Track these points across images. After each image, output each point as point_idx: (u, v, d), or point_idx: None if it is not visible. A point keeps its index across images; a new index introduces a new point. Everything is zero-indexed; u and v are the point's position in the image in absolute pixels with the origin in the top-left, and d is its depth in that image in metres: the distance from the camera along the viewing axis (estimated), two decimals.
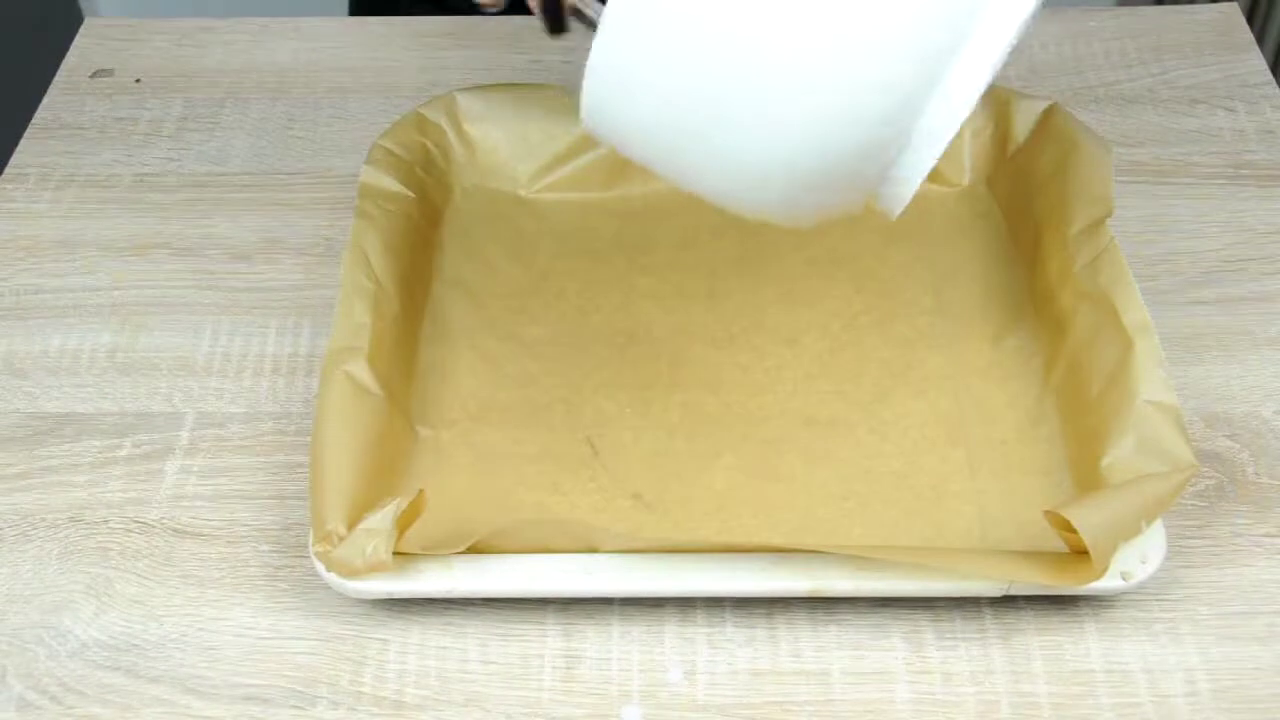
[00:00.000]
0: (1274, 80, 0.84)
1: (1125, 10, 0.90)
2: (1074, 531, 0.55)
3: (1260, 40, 0.88)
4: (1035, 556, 0.57)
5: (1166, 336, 0.62)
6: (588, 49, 0.49)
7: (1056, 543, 0.57)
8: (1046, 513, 0.56)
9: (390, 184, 0.71)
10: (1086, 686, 0.57)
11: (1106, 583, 0.56)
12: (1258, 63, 0.85)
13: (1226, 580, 0.60)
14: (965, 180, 0.76)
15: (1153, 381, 0.60)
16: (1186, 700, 0.56)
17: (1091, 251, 0.66)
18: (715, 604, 0.59)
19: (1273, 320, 0.70)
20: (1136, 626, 0.58)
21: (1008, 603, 0.59)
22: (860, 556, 0.57)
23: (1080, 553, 0.55)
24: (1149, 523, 0.56)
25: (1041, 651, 0.58)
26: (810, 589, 0.57)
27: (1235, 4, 0.89)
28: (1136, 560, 0.57)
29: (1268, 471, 0.64)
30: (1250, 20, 0.90)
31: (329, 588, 0.58)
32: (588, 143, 0.76)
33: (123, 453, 0.66)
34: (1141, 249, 0.73)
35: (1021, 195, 0.73)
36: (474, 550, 0.57)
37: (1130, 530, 0.55)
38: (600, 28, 0.48)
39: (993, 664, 0.57)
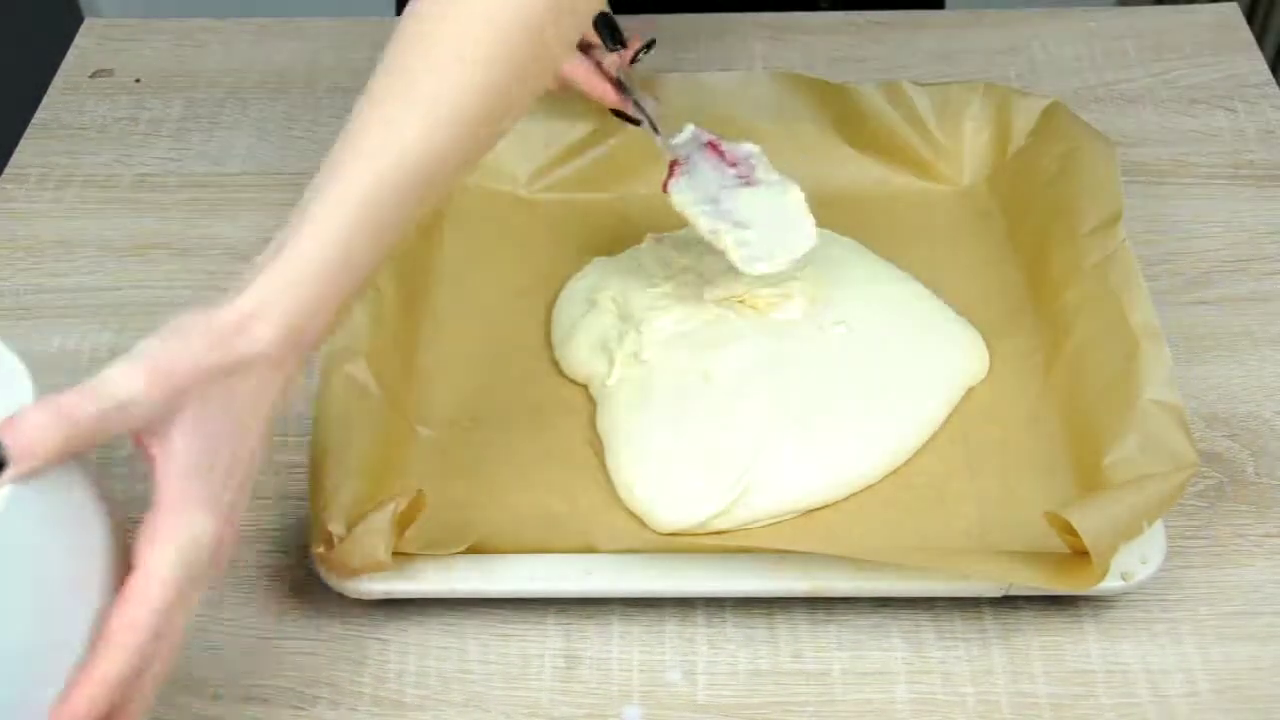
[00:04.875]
0: (1274, 80, 0.84)
1: (1125, 10, 0.90)
2: (1074, 533, 0.55)
3: (1260, 40, 0.87)
4: (1035, 557, 0.57)
5: (1167, 336, 0.62)
6: None
7: (1057, 542, 0.57)
8: (1047, 514, 0.56)
9: None
10: (1086, 687, 0.57)
11: (1106, 583, 0.56)
12: (1258, 63, 0.85)
13: (1226, 580, 0.60)
14: (965, 179, 0.76)
15: (1158, 382, 0.60)
16: (1187, 700, 0.56)
17: (1101, 252, 0.66)
18: (715, 604, 0.59)
19: (1273, 320, 0.70)
20: (1136, 627, 0.58)
21: (1008, 603, 0.59)
22: (859, 559, 0.57)
23: (1081, 553, 0.55)
24: (1150, 523, 0.56)
25: (1041, 652, 0.58)
26: (810, 589, 0.57)
27: (1235, 4, 0.89)
28: (1136, 560, 0.57)
29: (1268, 472, 0.64)
30: (1250, 20, 0.89)
31: (329, 588, 0.58)
32: (587, 143, 0.76)
33: (123, 453, 0.65)
34: (1141, 249, 0.73)
35: (1023, 194, 0.73)
36: (474, 550, 0.57)
37: (1132, 531, 0.55)
38: None
39: (993, 664, 0.57)
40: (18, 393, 0.46)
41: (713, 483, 0.61)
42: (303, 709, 0.56)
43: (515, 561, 0.58)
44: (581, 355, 0.67)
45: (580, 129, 0.76)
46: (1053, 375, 0.65)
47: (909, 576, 0.57)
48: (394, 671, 0.58)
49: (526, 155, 0.76)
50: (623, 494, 0.61)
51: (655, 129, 0.69)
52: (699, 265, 0.69)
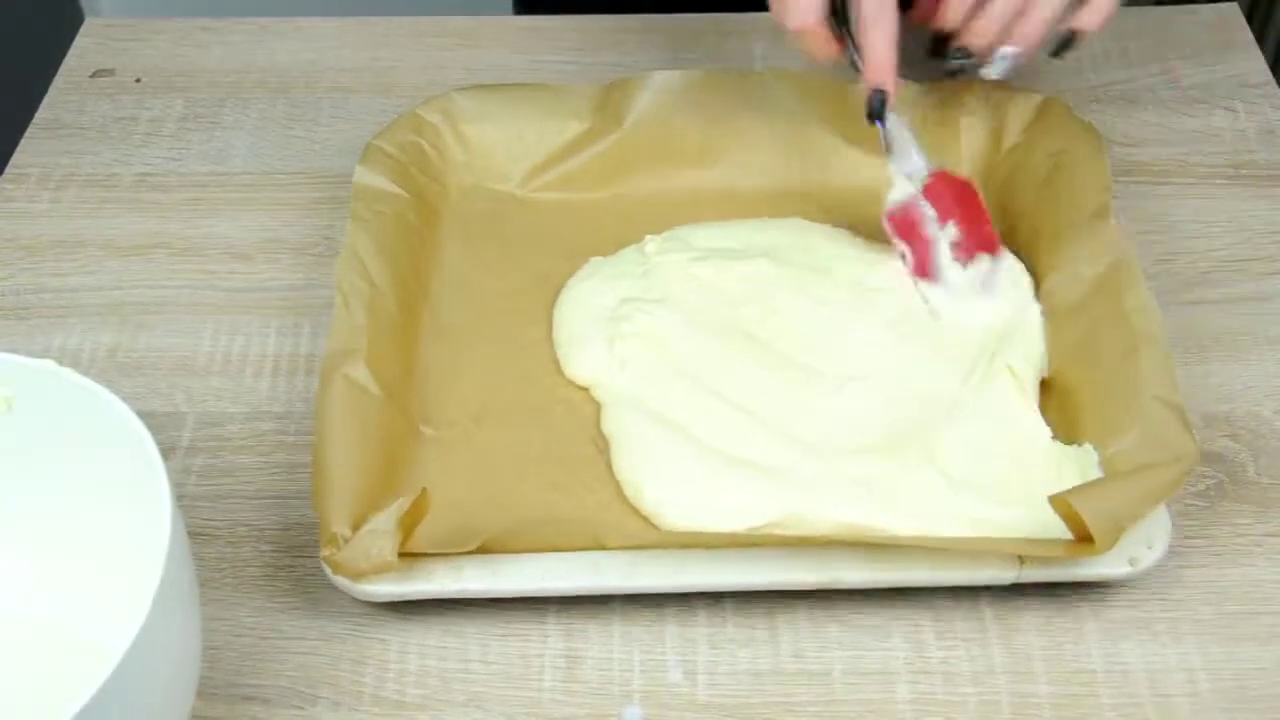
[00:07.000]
0: (1274, 80, 0.84)
1: (1125, 10, 0.90)
2: (1078, 519, 0.55)
3: (1260, 40, 0.87)
4: (1042, 542, 0.57)
5: (1167, 336, 0.62)
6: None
7: (1060, 533, 0.57)
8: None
9: (384, 184, 0.71)
10: (1087, 686, 0.57)
11: (1114, 569, 0.56)
12: (1258, 63, 0.85)
13: (1227, 580, 0.60)
14: (962, 174, 0.76)
15: (1158, 376, 0.60)
16: (1187, 700, 0.56)
17: (1096, 246, 0.66)
18: (716, 603, 0.59)
19: (1273, 320, 0.70)
20: (1137, 626, 0.58)
21: (1009, 602, 0.59)
22: (869, 543, 0.57)
23: (1085, 539, 0.55)
24: (1150, 508, 0.56)
25: (1042, 651, 0.58)
26: (819, 581, 0.57)
27: (1235, 4, 0.89)
28: (1143, 546, 0.57)
29: (1268, 472, 0.64)
30: (1250, 20, 0.89)
31: (329, 587, 0.58)
32: (584, 142, 0.76)
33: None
34: (1141, 249, 0.73)
35: (1015, 189, 0.73)
36: (481, 550, 0.57)
37: (1133, 515, 0.56)
38: None
39: (993, 663, 0.57)
40: (143, 451, 0.49)
41: (735, 500, 0.60)
42: (303, 709, 0.56)
43: (526, 561, 0.58)
44: (584, 357, 0.67)
45: (574, 128, 0.76)
46: (1051, 367, 0.65)
47: (920, 565, 0.57)
48: (394, 671, 0.58)
49: (523, 155, 0.76)
50: (630, 494, 0.61)
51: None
52: (699, 266, 0.69)
